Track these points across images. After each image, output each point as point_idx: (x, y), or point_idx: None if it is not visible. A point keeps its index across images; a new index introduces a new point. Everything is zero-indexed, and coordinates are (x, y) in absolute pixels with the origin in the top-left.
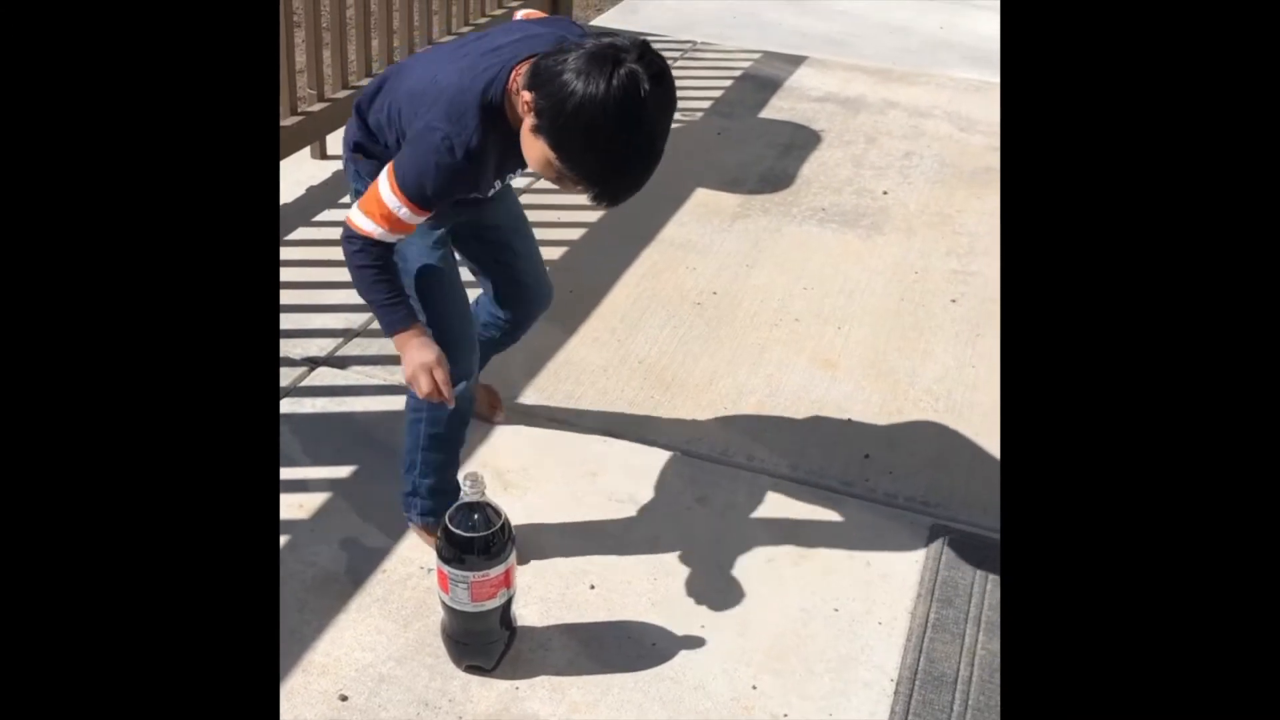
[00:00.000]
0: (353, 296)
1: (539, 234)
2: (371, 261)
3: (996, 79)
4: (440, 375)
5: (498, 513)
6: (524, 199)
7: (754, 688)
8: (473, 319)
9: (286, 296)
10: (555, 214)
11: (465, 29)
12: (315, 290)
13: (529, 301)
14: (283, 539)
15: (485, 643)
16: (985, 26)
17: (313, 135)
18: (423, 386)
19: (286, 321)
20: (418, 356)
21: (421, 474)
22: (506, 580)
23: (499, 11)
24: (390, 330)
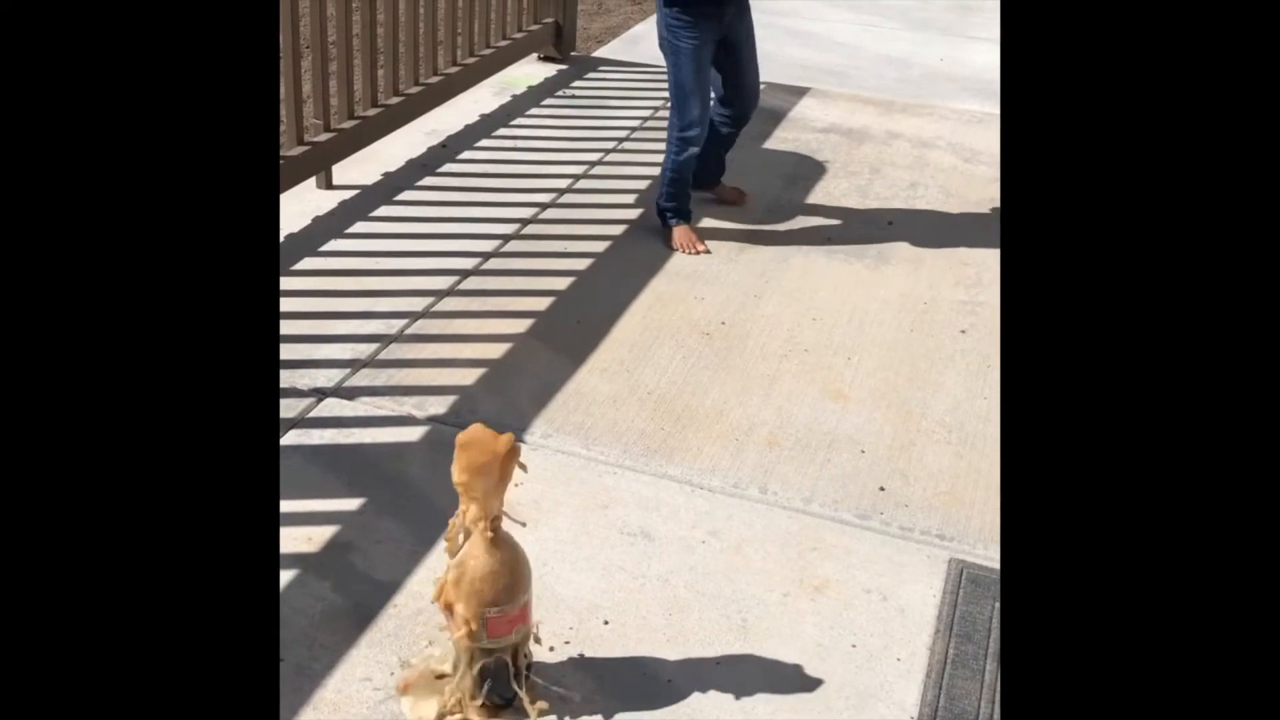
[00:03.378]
0: (359, 327)
1: (546, 264)
2: None
3: (998, 110)
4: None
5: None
6: (530, 229)
7: None
8: (707, 97)
9: (293, 327)
10: (561, 244)
11: (471, 59)
12: (322, 320)
13: (744, 100)
14: (291, 573)
15: (501, 679)
16: (984, 58)
17: (319, 165)
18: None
19: (293, 352)
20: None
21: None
22: (524, 616)
23: (504, 42)
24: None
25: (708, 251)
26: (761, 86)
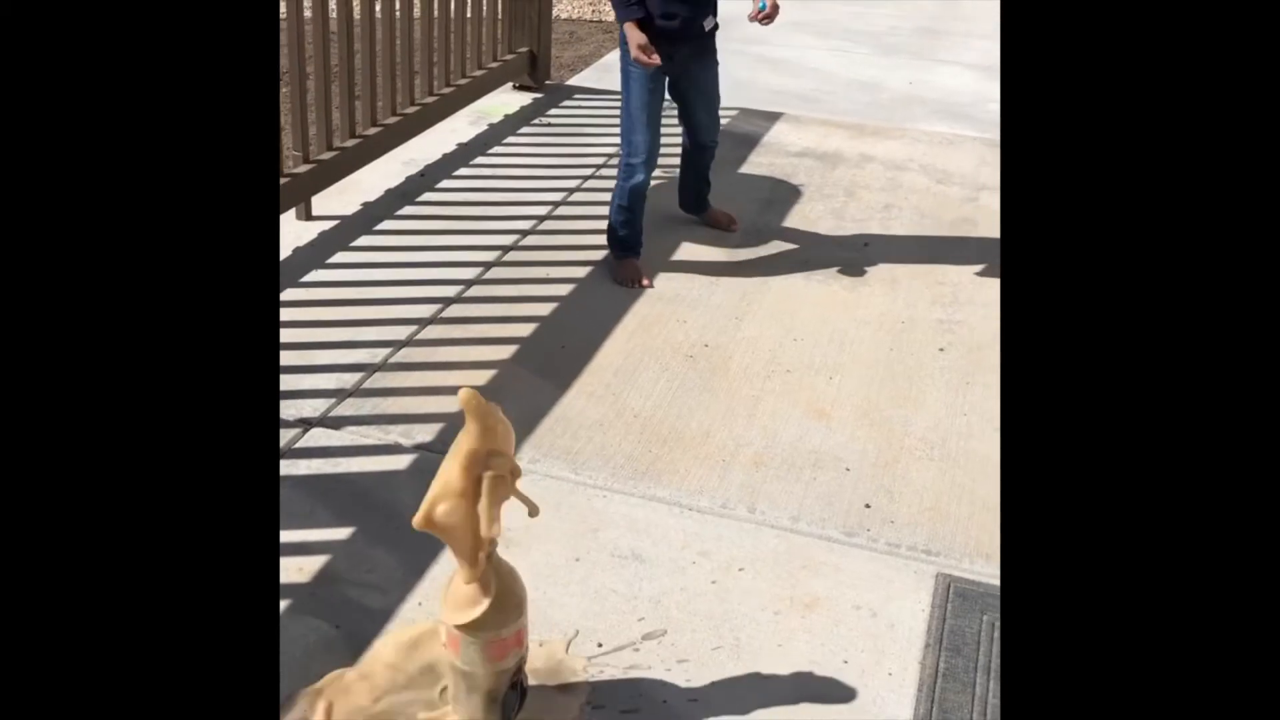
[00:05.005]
0: (343, 356)
1: (528, 289)
2: None
3: (968, 132)
4: (643, 45)
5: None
6: (511, 255)
7: None
8: (656, 127)
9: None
10: (542, 270)
11: (447, 89)
12: (305, 351)
13: (694, 132)
14: (283, 604)
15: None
16: (952, 81)
17: (299, 196)
18: (633, 51)
19: (279, 382)
20: (633, 37)
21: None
22: (519, 640)
23: (479, 72)
24: (622, 19)
25: (650, 285)
26: (724, 121)
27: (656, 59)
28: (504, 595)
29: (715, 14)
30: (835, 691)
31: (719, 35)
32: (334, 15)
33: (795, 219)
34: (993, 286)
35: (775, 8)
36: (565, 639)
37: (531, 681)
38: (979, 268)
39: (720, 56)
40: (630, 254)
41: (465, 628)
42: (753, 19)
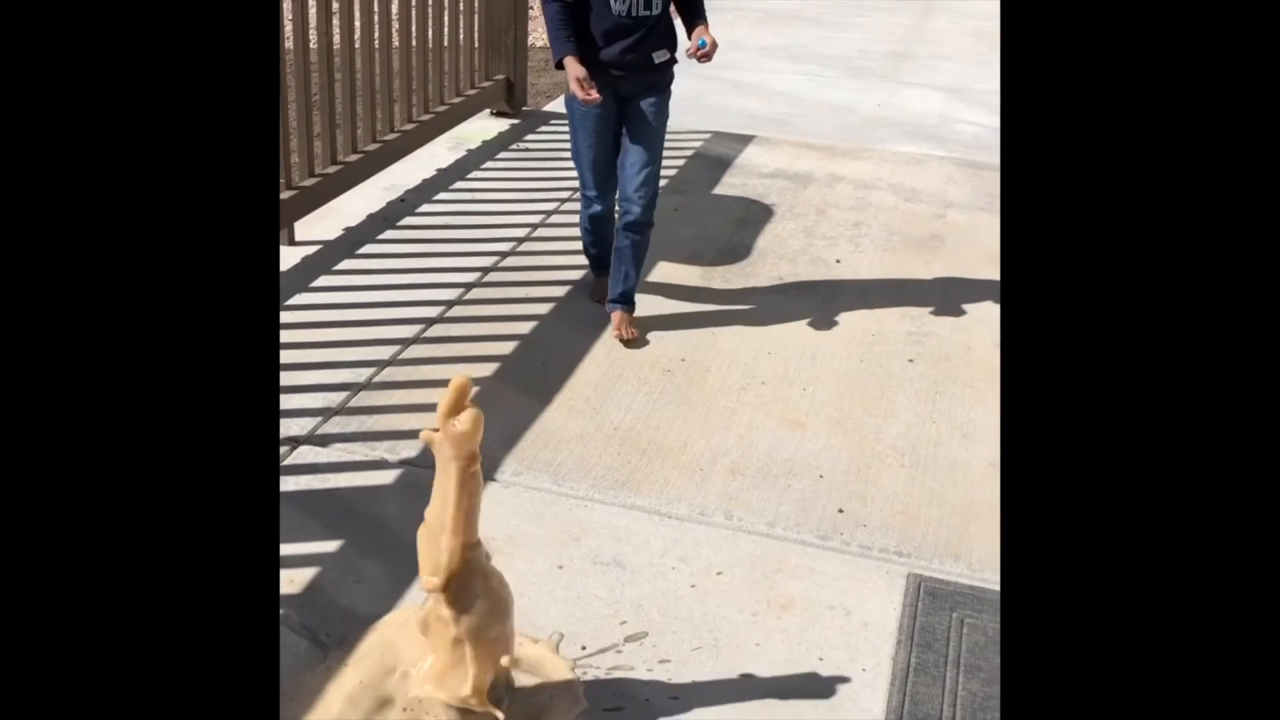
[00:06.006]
0: (329, 376)
1: (508, 309)
2: (555, 11)
3: (936, 152)
4: (582, 80)
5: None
6: (491, 276)
7: None
8: (602, 165)
9: None
10: (522, 290)
11: (426, 116)
12: (292, 371)
13: (622, 181)
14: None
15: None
16: (919, 104)
17: (282, 222)
18: (572, 87)
19: None
20: (572, 71)
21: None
22: (506, 644)
23: (457, 99)
24: (556, 56)
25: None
26: (698, 146)
27: (596, 95)
28: (492, 599)
29: (672, 47)
30: (811, 687)
31: (681, 69)
32: (314, 45)
33: (768, 237)
34: (960, 299)
35: (714, 45)
36: (554, 640)
37: (523, 680)
38: (946, 282)
39: (691, 82)
40: (605, 271)
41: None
42: (690, 55)
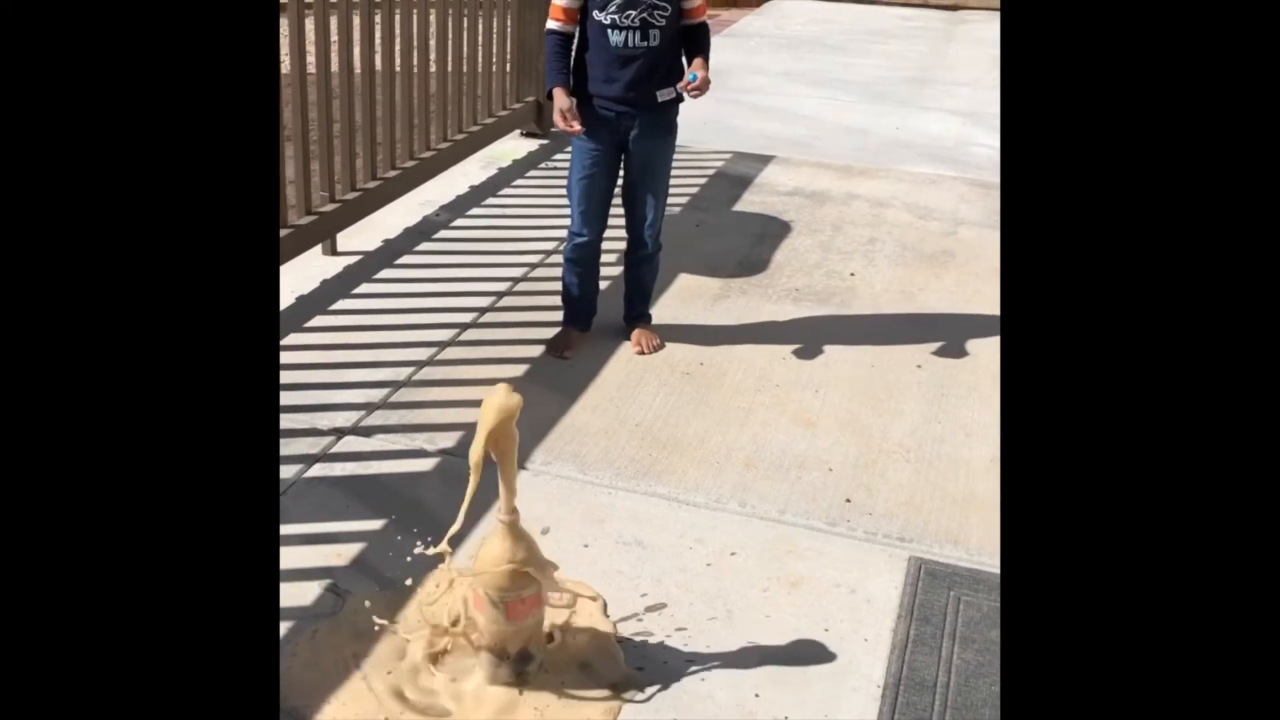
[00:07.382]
0: (372, 375)
1: (537, 315)
2: (554, 43)
3: (950, 173)
4: (565, 112)
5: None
6: (521, 286)
7: (756, 695)
8: (594, 205)
9: (309, 375)
10: (551, 299)
11: (460, 136)
12: (336, 370)
13: (631, 219)
14: (325, 581)
15: (519, 658)
16: (936, 127)
17: (325, 233)
18: (554, 117)
19: (311, 397)
20: (557, 102)
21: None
22: (536, 602)
23: (489, 120)
24: (547, 87)
25: (570, 359)
26: (719, 166)
27: (578, 126)
28: (534, 552)
29: (676, 83)
30: (817, 654)
31: (688, 106)
32: (357, 70)
33: (785, 251)
34: (968, 310)
35: (706, 82)
36: (600, 602)
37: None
38: (955, 293)
39: (714, 105)
40: (571, 323)
41: (490, 584)
42: (681, 89)
